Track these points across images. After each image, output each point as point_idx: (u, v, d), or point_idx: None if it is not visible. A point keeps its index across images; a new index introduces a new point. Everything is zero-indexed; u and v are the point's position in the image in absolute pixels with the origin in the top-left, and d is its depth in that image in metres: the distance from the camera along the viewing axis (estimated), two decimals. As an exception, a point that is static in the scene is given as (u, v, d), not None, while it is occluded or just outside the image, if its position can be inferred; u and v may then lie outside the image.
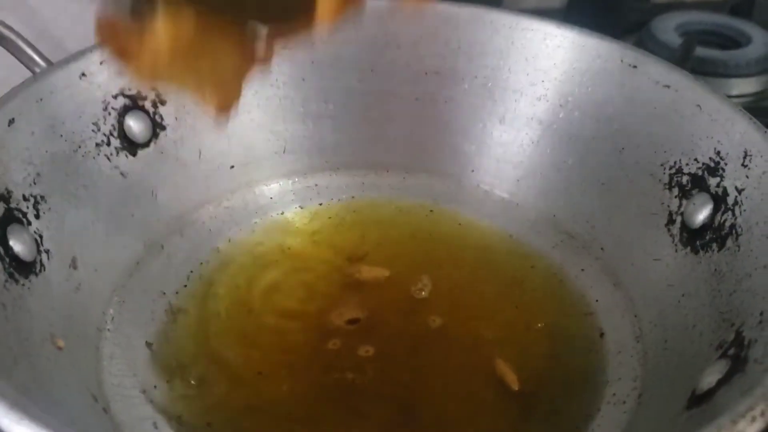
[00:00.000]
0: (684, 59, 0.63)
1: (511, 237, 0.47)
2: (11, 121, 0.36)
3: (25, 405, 0.23)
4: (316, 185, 0.49)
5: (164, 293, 0.42)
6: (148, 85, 0.42)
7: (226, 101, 0.31)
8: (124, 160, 0.43)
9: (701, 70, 0.64)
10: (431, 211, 0.48)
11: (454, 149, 0.49)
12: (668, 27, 0.70)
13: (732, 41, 0.70)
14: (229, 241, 0.45)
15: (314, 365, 0.39)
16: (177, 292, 0.42)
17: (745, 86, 0.66)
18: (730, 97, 0.63)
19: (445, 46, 0.48)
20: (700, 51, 0.64)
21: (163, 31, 0.27)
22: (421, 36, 0.48)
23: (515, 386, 0.38)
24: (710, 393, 0.30)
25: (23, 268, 0.35)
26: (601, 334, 0.41)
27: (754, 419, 0.24)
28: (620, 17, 0.76)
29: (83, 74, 0.41)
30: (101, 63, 0.42)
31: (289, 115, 0.48)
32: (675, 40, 0.67)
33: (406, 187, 0.49)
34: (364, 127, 0.49)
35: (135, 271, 0.42)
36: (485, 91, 0.48)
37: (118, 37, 0.28)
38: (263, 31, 0.30)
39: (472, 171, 0.49)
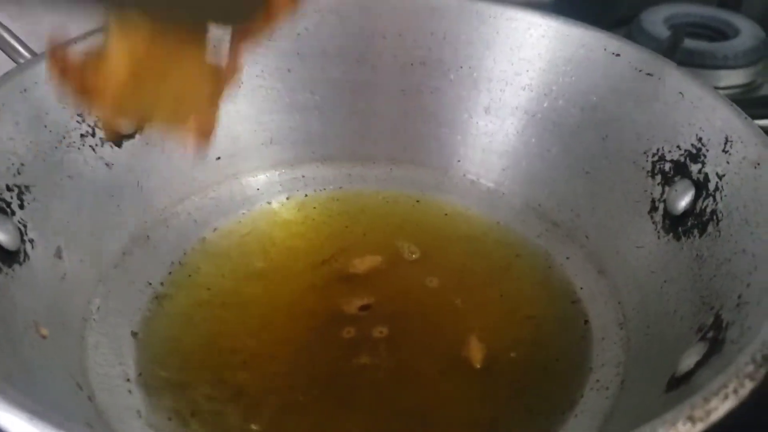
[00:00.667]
0: (672, 51, 0.63)
1: (497, 225, 0.47)
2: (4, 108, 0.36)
3: (6, 390, 0.23)
4: (303, 176, 0.49)
5: (150, 283, 0.42)
6: (115, 119, 0.42)
7: (204, 127, 0.31)
8: (109, 151, 0.43)
9: (689, 61, 0.65)
10: (418, 201, 0.48)
11: (440, 140, 0.49)
12: (657, 19, 0.70)
13: (720, 33, 0.70)
14: (215, 231, 0.46)
15: (300, 351, 0.39)
16: (162, 282, 0.42)
17: (734, 78, 0.66)
18: (718, 88, 0.64)
19: (431, 37, 0.48)
20: (689, 43, 0.65)
21: (118, 51, 0.27)
22: (407, 27, 0.48)
23: (478, 365, 0.38)
24: (688, 375, 0.30)
25: (7, 257, 0.35)
26: (586, 321, 0.41)
27: (726, 397, 0.24)
28: (609, 9, 0.77)
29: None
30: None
31: (275, 107, 0.48)
32: (664, 32, 0.67)
33: (392, 178, 0.50)
34: (350, 118, 0.49)
35: (120, 262, 0.42)
36: (470, 82, 0.48)
37: (73, 70, 0.27)
38: (226, 37, 0.30)
39: (458, 161, 0.49)
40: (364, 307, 0.42)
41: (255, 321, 0.41)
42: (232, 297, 0.42)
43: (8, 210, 0.36)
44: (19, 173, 0.37)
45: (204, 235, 0.45)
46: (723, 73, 0.66)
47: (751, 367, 0.25)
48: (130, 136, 0.44)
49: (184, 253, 0.44)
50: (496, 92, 0.47)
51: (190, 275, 0.43)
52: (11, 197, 0.36)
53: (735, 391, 0.24)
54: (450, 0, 0.48)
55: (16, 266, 0.35)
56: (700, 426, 0.23)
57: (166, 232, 0.45)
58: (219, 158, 0.47)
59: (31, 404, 0.23)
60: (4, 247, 0.34)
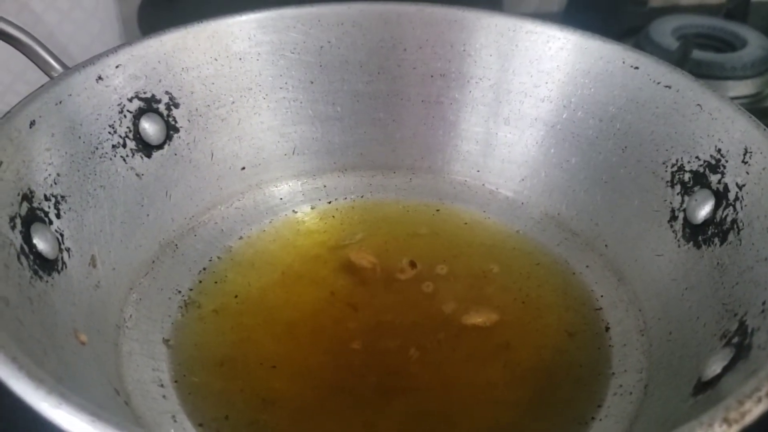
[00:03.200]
0: (681, 62, 0.64)
1: (516, 234, 0.48)
2: (32, 123, 0.37)
3: (63, 391, 0.24)
4: (325, 186, 0.50)
5: (179, 291, 0.43)
6: None
7: None
8: (139, 161, 0.44)
9: (698, 72, 0.65)
10: (437, 210, 0.49)
11: (459, 150, 0.50)
12: (665, 30, 0.71)
13: (728, 44, 0.72)
14: (241, 239, 0.46)
15: (326, 356, 0.40)
16: (191, 289, 0.43)
17: (741, 88, 0.67)
18: (726, 99, 0.65)
19: (451, 49, 0.49)
20: (697, 54, 0.66)
21: None
22: (427, 39, 0.49)
23: (500, 371, 0.40)
24: (715, 380, 0.31)
25: (46, 265, 0.35)
26: (607, 328, 0.42)
27: (759, 400, 0.25)
28: (618, 21, 0.78)
29: (99, 77, 0.42)
30: (117, 67, 0.43)
31: (298, 118, 0.49)
32: (672, 43, 0.68)
33: (412, 187, 0.50)
34: (371, 129, 0.50)
35: (151, 270, 0.43)
36: (490, 93, 0.49)
37: None
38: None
39: (478, 171, 0.50)
40: (385, 316, 0.42)
41: (281, 327, 0.42)
42: (258, 304, 0.43)
43: (47, 219, 0.37)
44: (55, 183, 0.38)
45: (230, 243, 0.46)
46: (731, 83, 0.67)
47: (782, 371, 0.26)
48: (160, 147, 0.45)
49: (211, 261, 0.45)
50: (516, 104, 0.48)
51: (216, 283, 0.44)
52: (49, 207, 0.37)
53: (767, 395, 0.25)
54: (469, 13, 0.49)
55: (54, 274, 0.36)
56: (735, 428, 0.24)
57: (193, 241, 0.46)
58: (244, 168, 0.48)
59: (85, 403, 0.24)
60: (44, 256, 0.35)
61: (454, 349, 0.41)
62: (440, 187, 0.50)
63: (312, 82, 0.49)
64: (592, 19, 0.76)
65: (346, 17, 0.49)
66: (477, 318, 0.42)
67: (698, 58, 0.66)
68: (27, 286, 0.33)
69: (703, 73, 0.66)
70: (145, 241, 0.44)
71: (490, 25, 0.48)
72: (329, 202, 0.49)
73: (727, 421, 0.24)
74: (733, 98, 0.65)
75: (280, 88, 0.49)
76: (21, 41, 0.43)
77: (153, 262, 0.44)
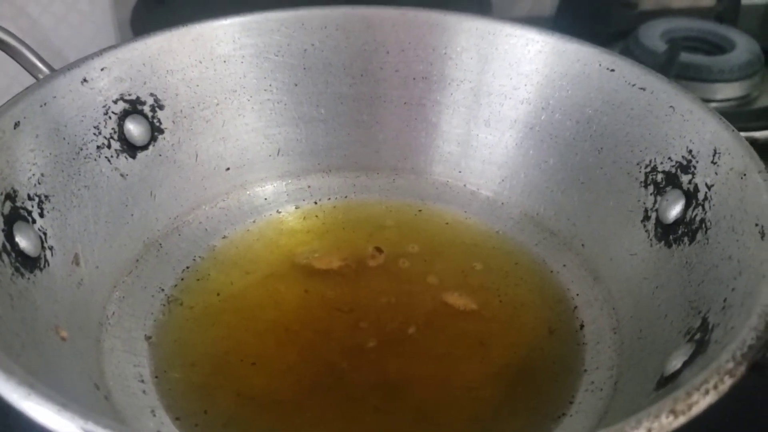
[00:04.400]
0: (668, 65, 0.65)
1: (496, 234, 0.48)
2: (17, 124, 0.38)
3: (32, 382, 0.25)
4: (309, 186, 0.51)
5: (162, 289, 0.44)
6: None
7: None
8: (123, 162, 0.45)
9: (686, 75, 0.67)
10: (420, 210, 0.50)
11: (441, 151, 0.51)
12: (654, 34, 0.72)
13: (717, 47, 0.72)
14: (225, 239, 0.47)
15: (305, 352, 0.41)
16: (174, 287, 0.44)
17: (730, 91, 0.68)
18: (714, 101, 0.66)
19: (433, 52, 0.50)
20: (686, 57, 0.67)
21: None
22: (410, 42, 0.50)
23: (476, 367, 0.40)
24: (676, 374, 0.32)
25: (28, 263, 0.36)
26: (581, 326, 0.42)
27: (707, 392, 0.25)
28: (608, 24, 0.78)
29: (84, 80, 0.43)
30: (102, 69, 0.44)
31: (282, 119, 0.50)
32: (661, 46, 0.69)
33: (395, 188, 0.51)
34: (354, 131, 0.51)
35: (134, 268, 0.44)
36: (471, 95, 0.50)
37: None
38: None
39: (459, 172, 0.51)
40: (365, 310, 0.43)
41: (262, 325, 0.43)
42: (240, 302, 0.44)
43: (29, 218, 0.38)
44: (39, 183, 0.39)
45: (214, 243, 0.47)
46: (719, 86, 0.68)
47: (731, 365, 0.26)
48: (144, 148, 0.46)
49: (195, 260, 0.46)
50: (496, 106, 0.49)
51: (199, 281, 0.45)
52: (32, 206, 0.38)
53: (715, 387, 0.26)
54: (450, 16, 0.50)
55: (37, 272, 0.37)
56: (682, 419, 0.25)
57: (177, 240, 0.46)
58: (228, 169, 0.49)
59: (54, 394, 0.25)
60: (26, 254, 0.36)
61: (430, 346, 0.42)
62: (422, 187, 0.51)
63: (296, 85, 0.50)
64: (582, 23, 0.77)
65: (330, 20, 0.50)
66: (458, 300, 0.43)
67: (686, 61, 0.67)
68: (8, 283, 0.34)
69: (691, 75, 0.67)
70: (130, 241, 0.44)
71: (471, 29, 0.49)
72: (315, 203, 0.50)
73: (674, 412, 0.25)
74: (721, 101, 0.66)
75: (265, 90, 0.50)
76: (8, 44, 0.44)
77: (137, 260, 0.44)
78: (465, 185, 0.51)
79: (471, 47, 0.50)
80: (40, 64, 0.43)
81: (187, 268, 0.45)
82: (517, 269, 0.46)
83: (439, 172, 0.51)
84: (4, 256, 0.35)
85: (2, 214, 0.36)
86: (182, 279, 0.45)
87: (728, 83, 0.68)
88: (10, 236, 0.36)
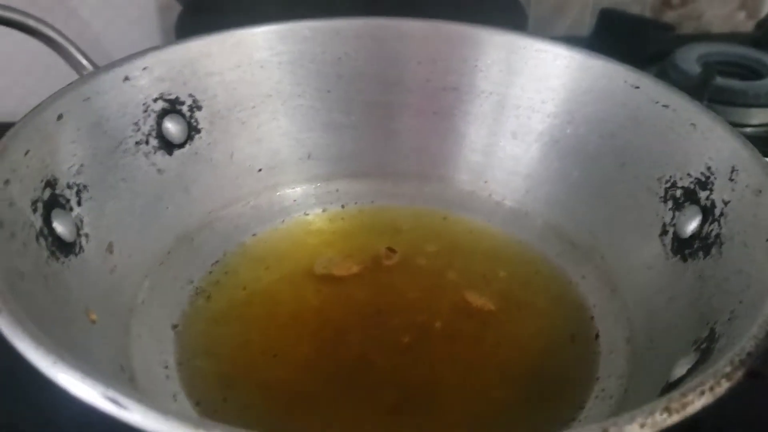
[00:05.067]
0: (701, 88, 0.65)
1: (519, 244, 0.49)
2: (60, 117, 0.40)
3: (59, 351, 0.27)
4: (337, 190, 0.52)
5: (191, 281, 0.45)
6: None
7: None
8: (160, 158, 0.47)
9: (721, 99, 0.67)
10: (445, 218, 0.51)
11: (467, 161, 0.52)
12: (690, 57, 0.72)
13: (753, 72, 0.72)
14: (254, 236, 0.49)
15: (325, 347, 0.42)
16: (202, 280, 0.46)
17: (764, 116, 0.68)
18: (749, 126, 0.66)
19: (464, 64, 0.51)
20: (721, 81, 0.67)
21: None
22: (441, 54, 0.52)
23: (493, 369, 0.41)
24: (679, 381, 0.32)
25: (64, 248, 0.38)
26: (597, 336, 0.43)
27: (703, 393, 0.26)
28: (644, 46, 0.79)
29: (127, 78, 0.45)
30: (144, 69, 0.46)
31: (314, 124, 0.52)
32: (697, 69, 0.69)
33: (421, 195, 0.52)
34: (383, 138, 0.53)
35: (165, 260, 0.46)
36: (499, 107, 0.51)
37: None
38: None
39: (485, 182, 0.52)
40: (386, 309, 0.44)
41: (285, 320, 0.44)
42: (265, 297, 0.45)
43: (67, 206, 0.40)
44: (79, 173, 0.41)
45: (243, 239, 0.49)
46: (754, 111, 0.68)
47: (728, 369, 0.27)
48: (181, 146, 0.48)
49: (224, 255, 0.48)
50: (523, 118, 0.50)
51: (227, 275, 0.47)
52: (70, 194, 0.40)
53: (711, 389, 0.26)
54: (482, 31, 0.51)
55: (72, 257, 0.39)
56: (676, 417, 0.25)
57: (208, 235, 0.48)
58: (260, 170, 0.51)
59: (86, 366, 0.26)
60: (62, 239, 0.38)
61: (448, 350, 0.43)
62: (448, 195, 0.52)
63: (329, 91, 0.51)
64: (618, 44, 0.77)
65: (364, 31, 0.52)
66: (477, 299, 0.45)
67: (721, 85, 0.67)
68: (43, 265, 0.36)
69: (726, 100, 0.67)
70: (162, 233, 0.46)
71: (502, 43, 0.50)
72: (341, 206, 0.52)
73: (668, 410, 0.25)
74: (756, 126, 0.66)
75: (298, 95, 0.51)
76: (55, 41, 0.46)
77: (168, 252, 0.46)
78: (490, 195, 0.52)
79: (501, 61, 0.51)
80: (84, 61, 0.46)
81: (216, 262, 0.47)
82: (538, 277, 0.47)
83: (465, 180, 0.52)
84: (41, 240, 0.37)
85: (42, 200, 0.38)
86: (210, 272, 0.46)
87: (763, 108, 0.68)
88: (48, 221, 0.38)
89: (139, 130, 0.45)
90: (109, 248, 0.42)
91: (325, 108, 0.52)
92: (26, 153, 0.37)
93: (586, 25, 0.83)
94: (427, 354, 0.42)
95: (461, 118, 0.52)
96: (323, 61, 0.51)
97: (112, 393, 0.25)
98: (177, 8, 0.73)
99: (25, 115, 0.39)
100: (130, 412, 0.24)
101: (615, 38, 0.79)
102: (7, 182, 0.36)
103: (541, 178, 0.50)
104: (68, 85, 0.42)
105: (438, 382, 0.41)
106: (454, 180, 0.53)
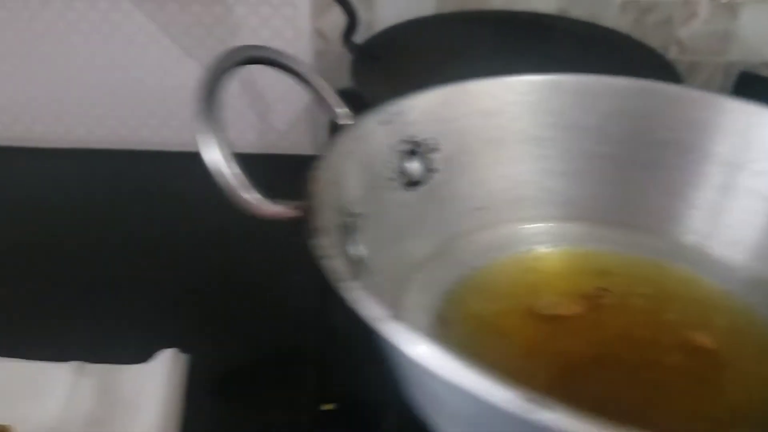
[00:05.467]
0: None
1: (730, 295, 0.52)
2: (348, 153, 0.46)
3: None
4: (551, 232, 0.56)
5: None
6: None
7: None
8: (402, 193, 0.52)
9: None
10: (660, 266, 0.55)
11: (679, 213, 0.56)
12: None
13: None
14: (485, 266, 0.53)
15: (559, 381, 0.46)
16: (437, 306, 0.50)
17: None
18: None
19: (689, 125, 0.55)
20: None
21: None
22: (654, 111, 0.56)
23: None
24: None
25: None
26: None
27: None
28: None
29: (384, 121, 0.50)
30: (397, 114, 0.51)
31: (535, 169, 0.56)
32: None
33: (638, 243, 0.56)
34: (598, 186, 0.56)
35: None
36: (709, 163, 0.55)
37: None
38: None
39: (702, 237, 0.55)
40: (616, 346, 0.48)
41: (517, 352, 0.48)
42: (493, 329, 0.49)
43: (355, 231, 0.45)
44: (358, 202, 0.46)
45: (469, 270, 0.53)
46: None
47: None
48: (420, 183, 0.53)
49: (454, 283, 0.52)
50: (747, 179, 0.54)
51: (457, 303, 0.51)
52: (356, 221, 0.45)
53: None
54: (694, 92, 0.56)
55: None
56: None
57: (438, 264, 0.52)
58: (483, 209, 0.55)
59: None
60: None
61: (683, 383, 0.46)
62: (660, 245, 0.56)
63: (550, 140, 0.56)
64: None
65: (582, 86, 0.56)
66: (703, 339, 0.48)
67: None
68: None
69: None
70: (398, 262, 0.51)
71: (732, 109, 0.54)
72: (559, 247, 0.56)
73: None
74: None
75: (521, 142, 0.56)
76: (314, 85, 0.52)
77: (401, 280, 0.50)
78: (704, 249, 0.55)
79: (711, 120, 0.55)
80: (336, 108, 0.52)
81: (449, 290, 0.51)
82: (754, 327, 0.50)
83: (675, 232, 0.56)
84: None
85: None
86: (442, 299, 0.51)
87: None
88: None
89: (389, 168, 0.51)
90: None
91: (546, 156, 0.56)
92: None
93: (717, 87, 0.87)
94: (666, 391, 0.45)
95: (672, 172, 0.55)
96: (546, 111, 0.56)
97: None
98: (330, 54, 0.79)
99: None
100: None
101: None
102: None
103: (763, 239, 0.53)
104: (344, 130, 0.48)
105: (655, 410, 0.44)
106: (666, 230, 0.56)
